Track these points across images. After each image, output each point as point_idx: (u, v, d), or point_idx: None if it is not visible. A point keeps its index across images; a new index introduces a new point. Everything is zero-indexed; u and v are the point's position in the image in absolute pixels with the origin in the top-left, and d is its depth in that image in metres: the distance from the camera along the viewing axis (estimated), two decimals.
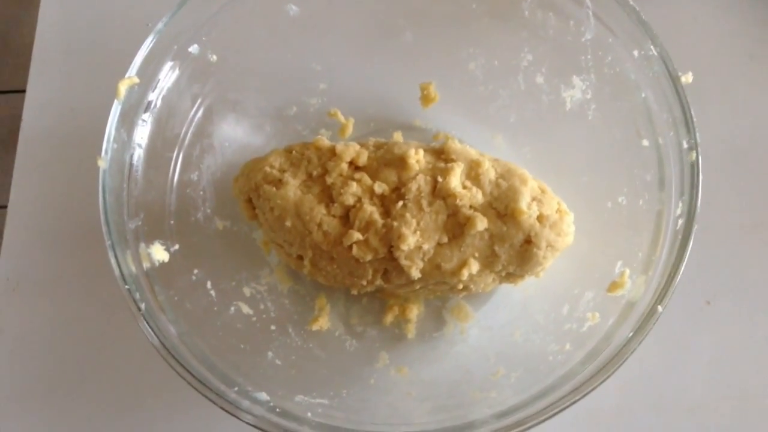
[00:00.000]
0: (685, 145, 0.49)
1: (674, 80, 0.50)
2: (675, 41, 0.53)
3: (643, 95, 0.52)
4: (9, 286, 0.63)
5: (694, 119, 0.49)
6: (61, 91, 0.68)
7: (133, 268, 0.50)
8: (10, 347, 0.61)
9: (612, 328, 0.49)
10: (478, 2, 0.58)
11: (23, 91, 0.68)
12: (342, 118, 0.63)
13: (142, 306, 0.48)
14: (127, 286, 0.49)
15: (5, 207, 0.65)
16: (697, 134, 0.49)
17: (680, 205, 0.49)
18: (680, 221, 0.48)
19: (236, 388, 0.48)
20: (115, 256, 0.49)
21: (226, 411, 0.47)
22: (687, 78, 0.50)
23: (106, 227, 0.49)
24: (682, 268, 0.47)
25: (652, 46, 0.51)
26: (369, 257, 0.52)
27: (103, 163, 0.50)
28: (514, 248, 0.52)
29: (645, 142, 0.53)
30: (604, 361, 0.47)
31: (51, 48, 0.69)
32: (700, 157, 0.49)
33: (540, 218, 0.52)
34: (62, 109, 0.67)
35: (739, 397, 0.58)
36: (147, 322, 0.48)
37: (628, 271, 0.51)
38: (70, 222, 0.63)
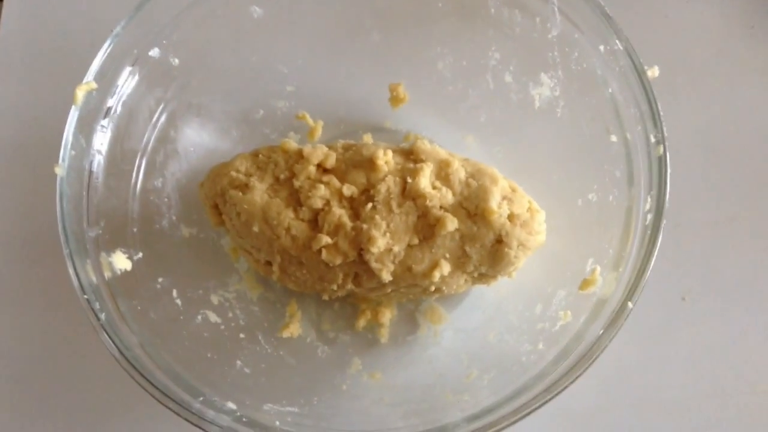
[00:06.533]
0: (653, 140, 0.49)
1: (640, 74, 0.50)
2: (643, 36, 0.53)
3: (610, 90, 0.52)
4: None
5: (661, 113, 0.49)
6: (21, 98, 0.66)
7: (93, 278, 0.49)
8: None
9: (583, 326, 0.48)
10: (444, 1, 0.57)
11: None
12: (311, 121, 0.62)
13: (102, 316, 0.47)
14: (86, 296, 0.48)
15: None
16: (665, 128, 0.49)
17: (649, 200, 0.49)
18: (649, 216, 0.48)
19: (201, 399, 0.47)
20: (74, 266, 0.48)
21: (190, 422, 0.46)
22: (653, 72, 0.50)
23: (64, 236, 0.48)
24: (652, 263, 0.47)
25: (617, 41, 0.51)
26: (338, 261, 0.51)
27: (60, 171, 0.49)
28: (486, 248, 0.52)
29: (613, 138, 0.52)
30: (576, 359, 0.46)
31: (10, 55, 0.68)
32: (667, 152, 0.48)
33: (511, 217, 0.51)
34: (23, 117, 0.66)
35: (716, 393, 0.58)
36: (107, 333, 0.47)
37: (599, 269, 0.50)
38: (30, 231, 0.62)
